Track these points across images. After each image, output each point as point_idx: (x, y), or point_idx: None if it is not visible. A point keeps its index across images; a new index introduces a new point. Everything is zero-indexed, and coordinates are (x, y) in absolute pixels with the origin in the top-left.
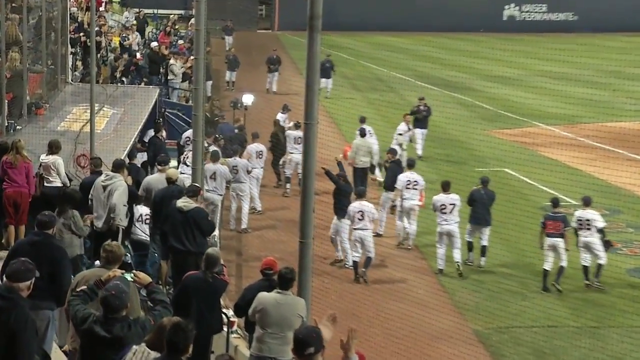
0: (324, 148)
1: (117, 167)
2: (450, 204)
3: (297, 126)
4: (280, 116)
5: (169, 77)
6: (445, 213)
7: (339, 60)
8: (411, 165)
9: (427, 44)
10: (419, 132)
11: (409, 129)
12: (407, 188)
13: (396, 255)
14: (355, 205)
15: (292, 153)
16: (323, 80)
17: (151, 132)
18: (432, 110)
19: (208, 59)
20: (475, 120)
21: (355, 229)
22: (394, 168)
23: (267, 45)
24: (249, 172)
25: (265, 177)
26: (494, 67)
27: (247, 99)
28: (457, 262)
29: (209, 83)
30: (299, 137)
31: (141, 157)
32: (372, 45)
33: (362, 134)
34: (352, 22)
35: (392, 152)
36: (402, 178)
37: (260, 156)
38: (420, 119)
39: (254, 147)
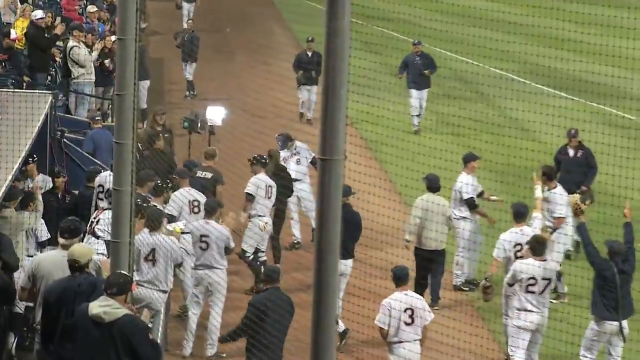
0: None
1: None
2: (544, 279)
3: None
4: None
5: (72, 75)
6: (532, 292)
7: (380, 44)
8: (521, 214)
9: (549, 14)
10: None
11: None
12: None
13: None
14: (397, 299)
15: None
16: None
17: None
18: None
19: (143, 41)
20: (638, 155)
21: (394, 342)
22: None
23: (252, 15)
24: (227, 251)
25: None
26: None
27: (214, 114)
28: None
29: (145, 84)
30: (271, 186)
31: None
32: (443, 14)
33: (433, 186)
34: None
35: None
36: (509, 237)
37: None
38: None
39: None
